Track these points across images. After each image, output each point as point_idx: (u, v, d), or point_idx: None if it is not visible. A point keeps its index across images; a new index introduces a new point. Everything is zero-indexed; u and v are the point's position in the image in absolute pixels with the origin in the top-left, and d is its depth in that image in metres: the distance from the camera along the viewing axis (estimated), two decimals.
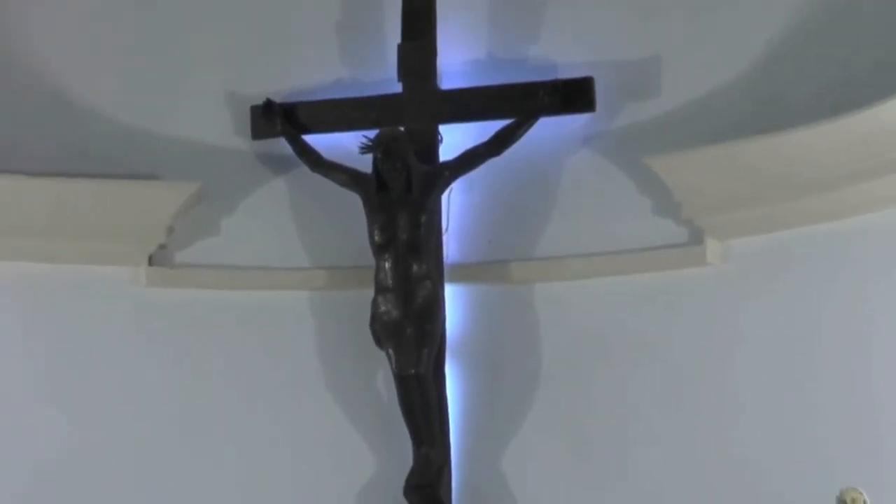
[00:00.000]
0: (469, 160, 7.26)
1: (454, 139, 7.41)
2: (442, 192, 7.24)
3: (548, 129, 7.36)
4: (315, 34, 7.76)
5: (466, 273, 7.42)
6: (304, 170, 7.42)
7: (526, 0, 7.71)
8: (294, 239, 7.65)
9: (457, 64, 7.67)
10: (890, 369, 6.66)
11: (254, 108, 7.45)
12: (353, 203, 7.23)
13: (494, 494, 7.38)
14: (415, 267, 7.05)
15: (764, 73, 7.26)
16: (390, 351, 7.02)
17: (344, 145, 7.42)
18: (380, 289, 7.04)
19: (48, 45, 7.73)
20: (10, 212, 7.13)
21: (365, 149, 7.09)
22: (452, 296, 7.33)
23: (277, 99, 7.44)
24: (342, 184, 7.24)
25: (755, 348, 7.04)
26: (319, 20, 7.76)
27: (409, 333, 7.01)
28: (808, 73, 7.15)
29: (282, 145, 7.56)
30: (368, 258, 7.10)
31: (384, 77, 7.61)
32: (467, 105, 7.50)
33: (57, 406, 7.38)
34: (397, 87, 7.48)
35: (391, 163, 7.06)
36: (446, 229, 7.36)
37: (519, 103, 7.33)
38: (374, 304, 7.02)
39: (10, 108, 7.53)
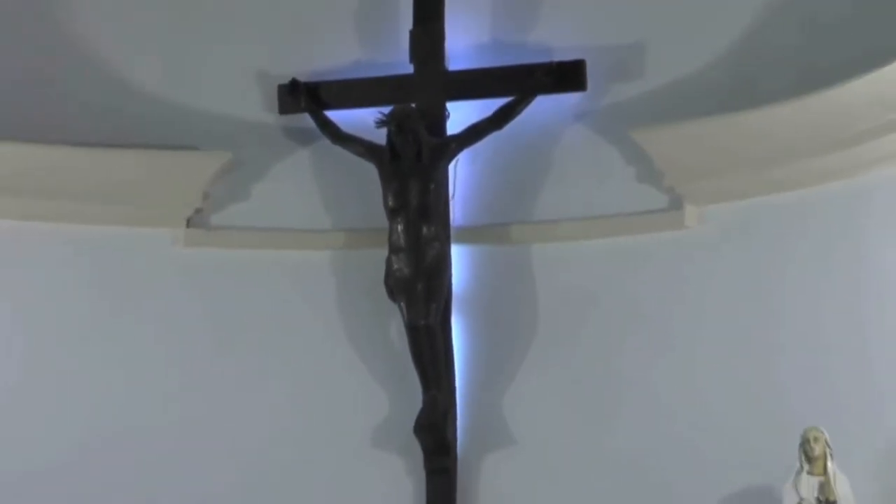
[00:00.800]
0: (474, 134, 7.55)
1: (460, 115, 7.77)
2: (449, 162, 7.54)
3: (544, 106, 7.69)
4: (335, 20, 8.08)
5: (471, 235, 7.74)
6: (326, 142, 7.78)
7: None
8: (317, 204, 7.96)
9: (463, 47, 7.98)
10: (844, 320, 7.02)
11: (281, 87, 7.75)
12: (369, 172, 7.56)
13: (495, 434, 7.63)
14: (424, 229, 7.32)
15: (739, 55, 7.56)
16: (402, 304, 7.30)
17: (361, 120, 7.69)
18: (393, 248, 7.30)
19: (97, 29, 8.07)
20: (64, 178, 7.49)
21: (380, 123, 7.36)
22: (458, 255, 7.65)
23: (302, 79, 7.78)
24: (359, 154, 7.55)
25: (727, 301, 7.37)
26: (339, 8, 8.07)
27: (419, 289, 7.28)
28: (779, 56, 7.44)
29: (305, 120, 7.90)
30: (383, 221, 7.43)
31: (397, 59, 7.94)
32: (472, 84, 7.81)
33: (107, 351, 7.68)
34: (409, 68, 7.82)
35: (403, 136, 7.31)
36: (453, 195, 7.67)
37: (518, 83, 7.64)
38: (388, 262, 7.28)
39: (63, 86, 7.90)
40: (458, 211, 7.82)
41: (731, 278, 7.40)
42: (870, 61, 6.88)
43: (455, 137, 7.60)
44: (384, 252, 7.43)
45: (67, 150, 7.56)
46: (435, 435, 7.38)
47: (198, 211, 7.77)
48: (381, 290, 7.46)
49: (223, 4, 8.13)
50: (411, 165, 7.37)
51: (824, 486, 6.63)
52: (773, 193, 7.28)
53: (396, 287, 7.37)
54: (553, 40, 7.88)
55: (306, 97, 7.75)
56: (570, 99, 7.80)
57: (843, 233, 7.11)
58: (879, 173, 6.98)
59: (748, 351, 7.28)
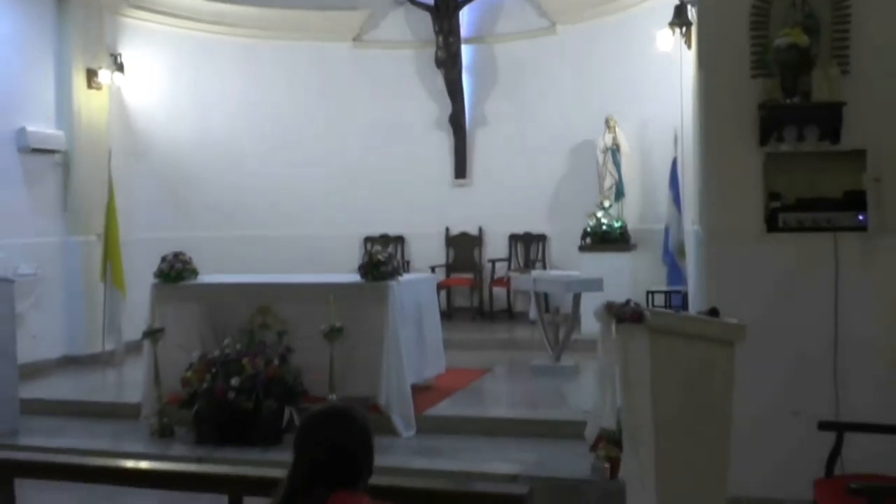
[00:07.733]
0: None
1: None
2: (459, 10, 13.66)
3: None
4: None
5: (470, 41, 13.70)
6: (409, 5, 13.74)
7: None
8: (406, 29, 14.12)
9: None
10: (626, 82, 12.42)
11: None
12: (427, 18, 13.60)
13: (482, 119, 13.76)
14: (451, 39, 13.37)
15: None
16: (441, 69, 13.61)
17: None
18: (438, 47, 13.38)
19: None
20: (297, 22, 13.64)
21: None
22: (465, 49, 13.65)
23: None
24: (423, 9, 13.46)
25: (574, 69, 12.98)
26: None
27: (448, 63, 13.62)
28: None
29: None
30: (433, 36, 13.48)
31: None
32: None
33: (314, 100, 13.62)
34: None
35: (444, 3, 13.65)
36: (462, 25, 13.67)
37: None
38: (436, 53, 13.39)
39: None
40: (463, 30, 13.71)
41: (574, 58, 13.09)
42: None
43: (461, 2, 13.90)
44: (434, 48, 13.49)
45: (302, 11, 13.79)
46: (457, 122, 13.99)
47: (358, 34, 13.92)
48: (433, 63, 13.59)
49: None
50: (444, 14, 13.48)
51: (615, 139, 12.18)
52: (602, 17, 12.98)
53: (439, 62, 13.58)
54: None
55: None
56: None
57: (615, 41, 12.44)
58: (633, 12, 12.23)
59: (584, 91, 12.78)
